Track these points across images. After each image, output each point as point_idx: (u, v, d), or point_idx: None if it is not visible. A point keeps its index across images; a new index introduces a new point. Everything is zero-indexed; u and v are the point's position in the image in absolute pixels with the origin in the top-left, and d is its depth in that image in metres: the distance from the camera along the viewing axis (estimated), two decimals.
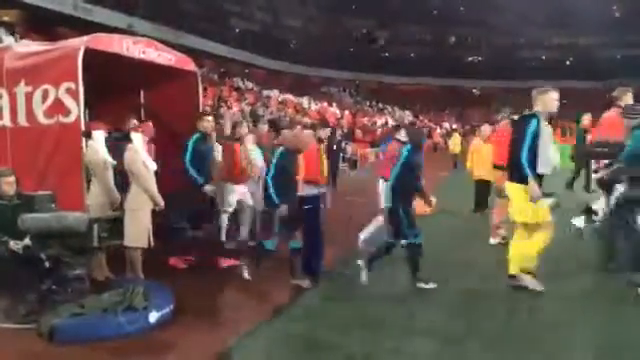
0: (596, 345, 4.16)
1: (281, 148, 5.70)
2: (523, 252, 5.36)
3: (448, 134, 23.84)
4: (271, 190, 5.54)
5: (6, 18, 23.79)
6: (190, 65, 7.36)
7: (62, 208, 5.01)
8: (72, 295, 4.59)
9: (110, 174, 5.49)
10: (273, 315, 4.81)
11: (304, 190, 5.99)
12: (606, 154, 6.07)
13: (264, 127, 9.12)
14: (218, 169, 6.83)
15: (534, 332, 4.39)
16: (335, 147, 14.32)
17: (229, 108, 16.02)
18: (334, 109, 30.27)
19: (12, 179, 4.96)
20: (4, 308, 4.62)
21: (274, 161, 5.60)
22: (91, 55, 5.56)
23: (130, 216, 5.33)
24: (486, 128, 8.43)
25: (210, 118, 6.79)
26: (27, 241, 4.74)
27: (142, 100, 7.72)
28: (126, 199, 5.41)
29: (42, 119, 5.52)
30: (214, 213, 6.74)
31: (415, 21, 50.59)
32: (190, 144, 6.32)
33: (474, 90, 54.18)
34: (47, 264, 4.63)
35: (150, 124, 6.92)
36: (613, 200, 5.75)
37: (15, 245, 4.75)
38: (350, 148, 19.39)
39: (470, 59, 54.09)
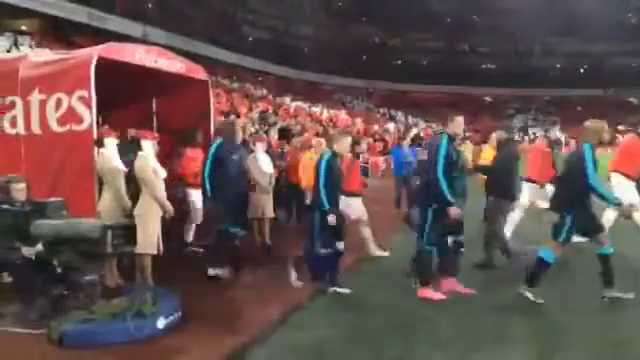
0: None
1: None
2: None
3: (462, 141, 23.64)
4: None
5: (24, 27, 24.20)
6: (201, 73, 7.45)
7: (74, 215, 5.06)
8: (84, 300, 4.64)
9: (122, 181, 5.55)
10: (281, 322, 4.82)
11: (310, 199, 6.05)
12: None
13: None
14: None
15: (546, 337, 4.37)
16: None
17: (238, 116, 16.10)
18: (345, 116, 30.28)
19: (22, 186, 5.04)
20: (15, 313, 4.69)
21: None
22: (104, 64, 5.65)
23: (140, 223, 5.38)
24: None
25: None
26: (39, 247, 4.80)
27: (154, 108, 7.81)
28: (136, 206, 5.47)
29: (55, 127, 5.61)
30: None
31: (428, 29, 50.57)
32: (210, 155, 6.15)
33: (486, 97, 53.97)
34: (59, 270, 4.69)
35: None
36: None
37: (27, 251, 4.83)
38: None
39: (483, 66, 53.93)
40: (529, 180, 8.05)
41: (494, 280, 5.98)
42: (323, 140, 8.29)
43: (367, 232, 7.12)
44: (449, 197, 5.24)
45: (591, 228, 5.18)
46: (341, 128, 20.80)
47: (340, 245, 5.64)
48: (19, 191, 5.01)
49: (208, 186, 6.00)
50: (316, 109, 30.05)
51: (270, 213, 7.60)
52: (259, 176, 7.29)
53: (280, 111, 23.33)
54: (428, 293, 5.40)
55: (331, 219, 5.45)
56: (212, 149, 6.10)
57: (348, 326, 4.77)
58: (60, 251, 4.64)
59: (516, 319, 4.88)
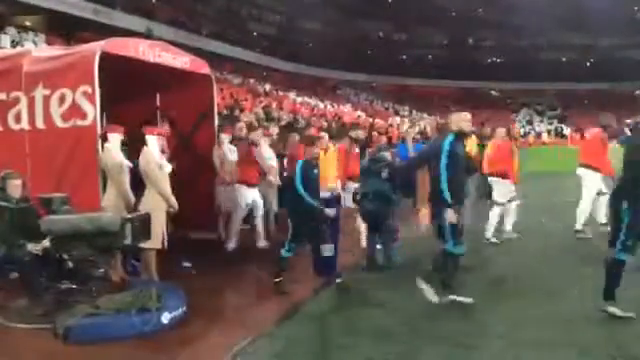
0: None
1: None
2: None
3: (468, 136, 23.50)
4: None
5: (28, 23, 24.26)
6: (205, 68, 7.43)
7: (78, 210, 5.06)
8: (95, 293, 4.63)
9: (126, 176, 5.55)
10: (286, 316, 4.83)
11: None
12: None
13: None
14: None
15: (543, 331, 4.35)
16: None
17: (242, 111, 16.07)
18: (350, 111, 30.26)
19: (18, 182, 5.04)
20: (21, 308, 4.70)
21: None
22: (108, 59, 5.64)
23: None
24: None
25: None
26: (46, 243, 4.80)
27: (158, 103, 7.80)
28: (141, 201, 5.47)
29: (59, 122, 5.60)
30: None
31: (432, 23, 50.34)
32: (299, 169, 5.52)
33: (493, 92, 53.77)
34: (69, 264, 4.68)
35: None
36: None
37: (34, 247, 4.83)
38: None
39: (489, 61, 53.69)
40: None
41: (497, 279, 5.96)
42: (326, 135, 8.23)
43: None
44: None
45: None
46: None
47: None
48: (14, 187, 5.02)
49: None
50: (320, 104, 30.03)
51: (275, 207, 7.63)
52: (265, 170, 7.29)
53: (282, 105, 23.30)
54: None
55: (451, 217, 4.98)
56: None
57: (352, 321, 4.76)
58: (74, 246, 4.62)
59: (522, 318, 4.82)
